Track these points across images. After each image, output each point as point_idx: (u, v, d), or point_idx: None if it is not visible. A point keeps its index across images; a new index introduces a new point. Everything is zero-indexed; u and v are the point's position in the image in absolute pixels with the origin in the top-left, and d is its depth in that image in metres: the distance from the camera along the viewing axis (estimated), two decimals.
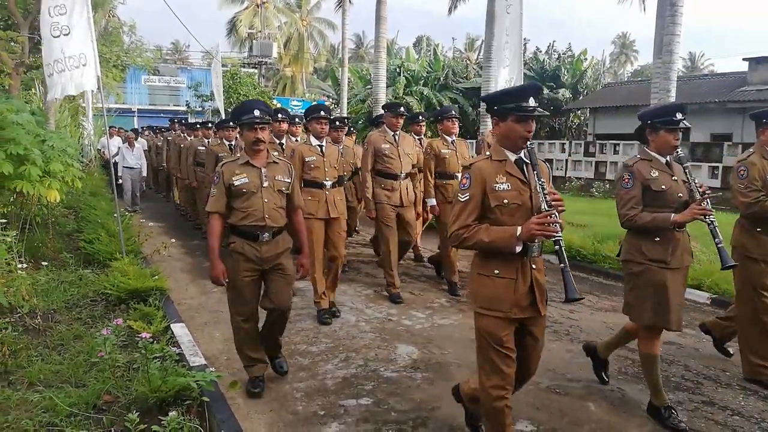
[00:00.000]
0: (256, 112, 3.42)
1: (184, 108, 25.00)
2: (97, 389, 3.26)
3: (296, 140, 6.89)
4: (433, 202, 5.92)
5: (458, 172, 5.80)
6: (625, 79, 39.55)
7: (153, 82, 31.81)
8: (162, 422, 2.73)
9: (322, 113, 5.06)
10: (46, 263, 5.69)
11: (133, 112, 29.05)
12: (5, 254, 4.74)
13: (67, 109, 14.41)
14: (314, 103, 16.02)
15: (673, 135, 3.23)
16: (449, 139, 5.96)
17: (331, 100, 27.30)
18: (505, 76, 8.16)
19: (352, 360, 4.21)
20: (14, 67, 11.84)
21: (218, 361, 4.15)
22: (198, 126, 10.10)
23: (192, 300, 5.72)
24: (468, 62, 26.50)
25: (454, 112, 6.07)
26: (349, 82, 21.49)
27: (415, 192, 6.19)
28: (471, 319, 5.12)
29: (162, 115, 28.38)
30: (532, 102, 2.53)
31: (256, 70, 30.70)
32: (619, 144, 16.86)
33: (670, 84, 8.53)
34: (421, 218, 7.02)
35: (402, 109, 5.94)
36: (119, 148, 11.90)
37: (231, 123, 7.83)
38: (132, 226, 7.98)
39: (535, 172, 2.54)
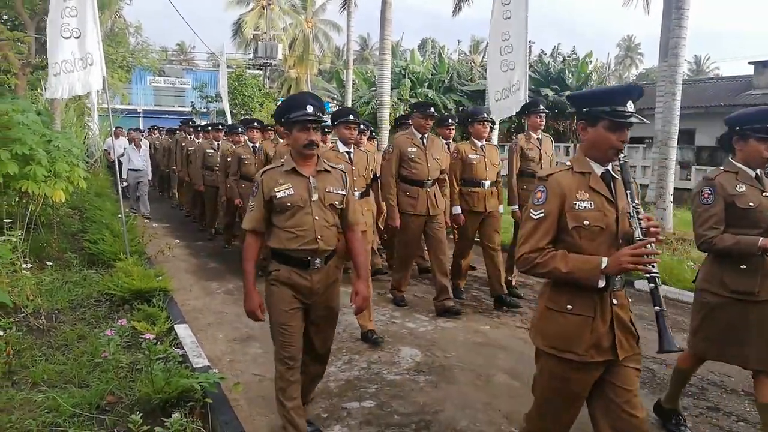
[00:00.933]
0: (309, 108, 2.79)
1: (189, 109, 25.09)
2: (100, 390, 3.26)
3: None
4: (457, 210, 5.53)
5: (485, 179, 5.53)
6: (630, 82, 39.45)
7: (158, 83, 31.93)
8: (165, 424, 2.73)
9: (351, 117, 4.66)
10: (50, 263, 5.70)
11: (139, 112, 29.15)
12: (10, 254, 4.75)
13: (73, 109, 14.45)
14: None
15: (765, 145, 2.83)
16: (478, 143, 5.55)
17: (335, 102, 27.32)
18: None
19: (355, 362, 4.20)
20: (21, 67, 11.87)
21: (221, 362, 4.15)
22: (209, 128, 9.83)
23: (196, 301, 5.72)
24: (473, 64, 26.51)
25: (486, 115, 5.63)
26: (353, 84, 21.53)
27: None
28: (474, 322, 5.16)
29: (168, 116, 28.48)
30: (630, 106, 2.15)
31: (261, 72, 30.78)
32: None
33: (676, 87, 8.52)
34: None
35: (432, 109, 5.44)
36: (125, 148, 11.46)
37: (255, 123, 7.64)
38: (136, 226, 7.99)
39: (628, 191, 2.16)
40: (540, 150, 5.74)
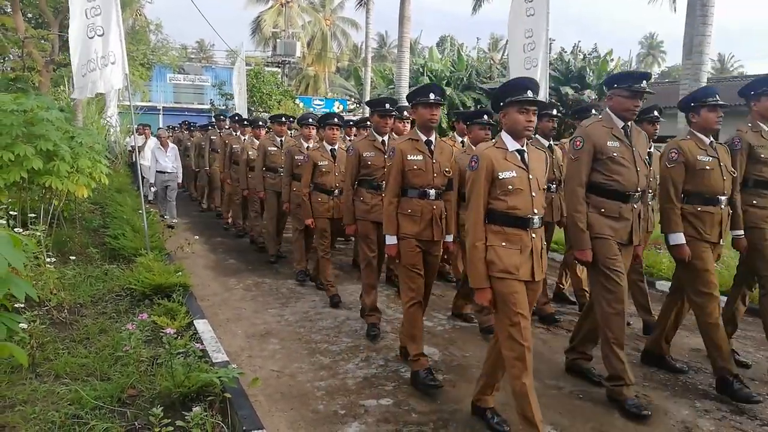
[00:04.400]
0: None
1: (208, 106, 25.30)
2: (121, 383, 3.30)
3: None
4: (680, 238, 3.73)
5: (723, 193, 3.78)
6: (653, 81, 38.99)
7: (178, 80, 32.23)
8: (186, 417, 2.75)
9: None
10: (73, 258, 5.78)
11: (159, 110, 29.47)
12: (36, 247, 4.83)
13: (94, 105, 14.64)
14: (335, 105, 16.00)
15: None
16: (706, 140, 3.83)
17: (353, 99, 27.37)
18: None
19: (372, 360, 4.20)
20: (44, 64, 12.07)
21: (240, 357, 4.18)
22: (264, 122, 8.30)
23: (215, 296, 5.76)
24: (492, 62, 26.29)
25: (718, 97, 3.88)
26: (371, 81, 21.53)
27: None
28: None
29: (187, 113, 28.76)
30: None
31: (279, 69, 30.95)
32: None
33: (700, 86, 8.38)
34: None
35: (644, 83, 3.47)
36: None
37: (335, 120, 6.08)
38: (156, 222, 8.07)
39: None
40: None
